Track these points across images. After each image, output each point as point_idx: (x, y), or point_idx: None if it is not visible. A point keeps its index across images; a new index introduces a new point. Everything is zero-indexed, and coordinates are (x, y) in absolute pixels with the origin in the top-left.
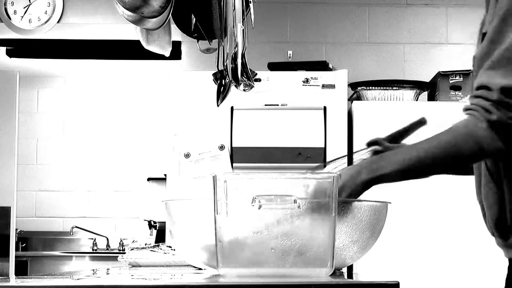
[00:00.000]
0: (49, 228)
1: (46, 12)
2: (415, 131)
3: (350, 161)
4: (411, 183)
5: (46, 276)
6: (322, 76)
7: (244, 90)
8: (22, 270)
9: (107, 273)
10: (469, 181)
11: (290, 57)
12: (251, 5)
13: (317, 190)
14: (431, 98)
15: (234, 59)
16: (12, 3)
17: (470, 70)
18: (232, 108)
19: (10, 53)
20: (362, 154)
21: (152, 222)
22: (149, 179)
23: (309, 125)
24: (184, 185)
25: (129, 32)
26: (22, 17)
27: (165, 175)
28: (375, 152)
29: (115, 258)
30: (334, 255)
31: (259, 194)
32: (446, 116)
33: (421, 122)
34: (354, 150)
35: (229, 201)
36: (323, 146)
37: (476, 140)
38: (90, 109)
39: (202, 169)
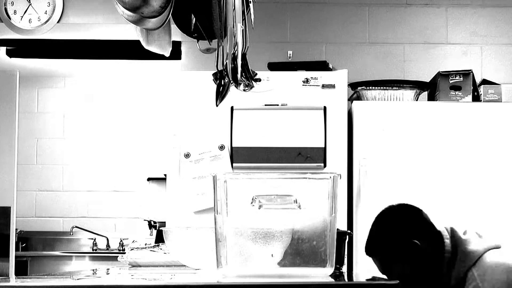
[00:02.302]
0: (49, 228)
1: (46, 12)
2: None
3: (350, 161)
4: (411, 182)
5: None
6: (322, 76)
7: (244, 90)
8: (22, 270)
9: (107, 273)
10: (469, 181)
11: (290, 57)
12: (251, 5)
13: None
14: (431, 98)
15: (234, 59)
16: (12, 3)
17: (470, 70)
18: (232, 108)
19: (10, 53)
20: None
21: (152, 222)
22: (149, 179)
23: (309, 125)
24: (184, 185)
25: (129, 32)
26: (22, 17)
27: (165, 175)
28: None
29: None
30: (334, 255)
31: (259, 194)
32: (446, 116)
33: None
34: (354, 150)
35: (229, 201)
36: (323, 146)
37: None
38: (90, 109)
39: (202, 169)
